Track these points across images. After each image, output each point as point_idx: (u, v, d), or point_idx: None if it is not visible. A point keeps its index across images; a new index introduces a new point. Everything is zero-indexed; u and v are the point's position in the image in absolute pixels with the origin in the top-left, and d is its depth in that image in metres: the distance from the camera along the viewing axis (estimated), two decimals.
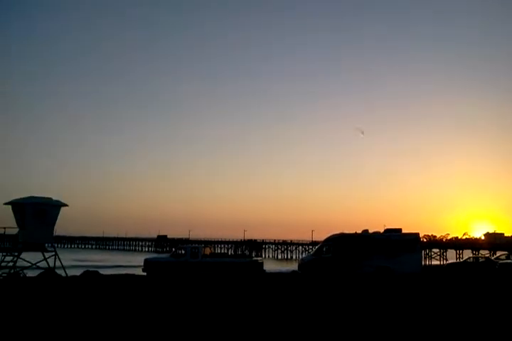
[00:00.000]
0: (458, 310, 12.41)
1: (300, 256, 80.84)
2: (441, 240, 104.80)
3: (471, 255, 61.25)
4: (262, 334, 8.99)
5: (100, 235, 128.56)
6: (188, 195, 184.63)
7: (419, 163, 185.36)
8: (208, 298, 14.85)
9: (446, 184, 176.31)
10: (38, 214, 24.32)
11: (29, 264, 24.93)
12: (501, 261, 32.88)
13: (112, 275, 26.44)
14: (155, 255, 62.07)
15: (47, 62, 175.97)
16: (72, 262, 41.35)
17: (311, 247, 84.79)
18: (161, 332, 9.07)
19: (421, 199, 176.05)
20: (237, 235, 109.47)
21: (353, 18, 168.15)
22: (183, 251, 26.09)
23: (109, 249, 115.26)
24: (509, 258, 34.54)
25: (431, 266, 55.88)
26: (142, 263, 26.57)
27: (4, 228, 25.42)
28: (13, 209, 24.72)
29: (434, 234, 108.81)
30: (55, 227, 25.96)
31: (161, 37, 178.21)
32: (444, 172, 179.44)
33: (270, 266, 36.86)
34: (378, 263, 24.71)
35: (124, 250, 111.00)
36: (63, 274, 24.48)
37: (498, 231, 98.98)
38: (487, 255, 57.96)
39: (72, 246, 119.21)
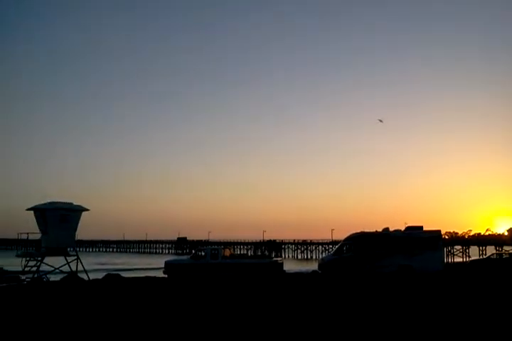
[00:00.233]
0: (483, 308, 12.19)
1: (320, 256, 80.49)
2: (463, 237, 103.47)
3: (494, 251, 60.18)
4: (283, 335, 8.95)
5: (121, 238, 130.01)
6: (207, 197, 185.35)
7: (440, 160, 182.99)
8: (228, 299, 14.86)
9: (469, 180, 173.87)
10: (59, 219, 24.71)
11: (52, 268, 25.32)
12: None
13: (133, 278, 26.65)
14: (175, 257, 62.47)
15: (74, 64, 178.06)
16: (94, 266, 41.87)
17: (331, 247, 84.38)
18: (183, 333, 9.09)
19: (442, 196, 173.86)
20: (257, 236, 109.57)
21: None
22: (203, 253, 26.17)
23: (129, 251, 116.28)
24: None
25: (453, 263, 55.12)
26: (163, 266, 26.77)
27: (27, 233, 25.89)
28: (35, 214, 25.15)
29: (456, 231, 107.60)
30: (77, 232, 26.34)
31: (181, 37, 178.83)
32: (466, 167, 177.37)
33: (290, 267, 36.82)
34: (400, 262, 24.45)
35: (144, 253, 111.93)
36: (85, 278, 24.77)
37: None
38: (511, 251, 56.95)
39: (94, 249, 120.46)
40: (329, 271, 25.23)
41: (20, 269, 23.62)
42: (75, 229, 25.95)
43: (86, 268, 26.11)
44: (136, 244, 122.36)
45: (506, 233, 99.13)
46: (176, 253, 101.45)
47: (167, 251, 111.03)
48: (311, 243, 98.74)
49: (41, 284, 21.50)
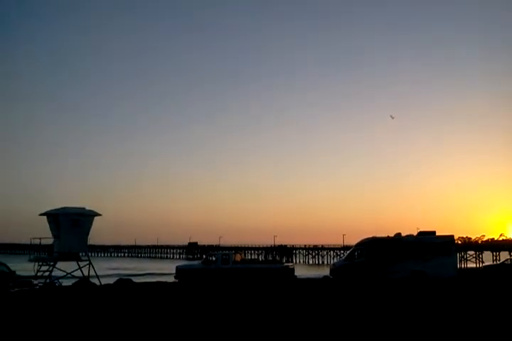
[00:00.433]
0: (497, 314, 12.02)
1: (331, 261, 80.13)
2: (476, 242, 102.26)
3: (508, 257, 59.46)
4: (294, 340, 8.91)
5: (132, 243, 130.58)
6: (217, 202, 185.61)
7: (452, 164, 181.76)
8: (239, 304, 14.82)
9: (482, 184, 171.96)
10: (72, 224, 24.87)
11: (64, 273, 25.46)
12: None
13: (144, 283, 26.71)
14: (186, 262, 62.62)
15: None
16: (105, 271, 42.01)
17: (342, 252, 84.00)
18: (194, 338, 9.08)
19: (455, 201, 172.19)
20: (268, 241, 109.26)
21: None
22: (214, 258, 26.19)
23: (141, 256, 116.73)
24: None
25: (467, 268, 54.50)
26: (174, 271, 26.82)
27: (40, 238, 26.10)
28: (48, 219, 25.36)
29: (469, 236, 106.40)
30: (89, 236, 26.49)
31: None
32: (479, 171, 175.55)
33: (301, 272, 36.62)
34: (413, 267, 24.24)
35: (155, 257, 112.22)
36: (97, 283, 24.87)
37: None
38: None
39: (106, 254, 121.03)
40: (341, 277, 25.08)
41: (32, 274, 23.77)
42: (87, 234, 26.09)
43: (98, 273, 26.21)
44: (147, 249, 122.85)
45: None
46: (187, 259, 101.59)
47: (178, 256, 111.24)
48: (323, 248, 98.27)
49: (53, 289, 21.61)
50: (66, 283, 24.86)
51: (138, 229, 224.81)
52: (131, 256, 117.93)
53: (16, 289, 18.88)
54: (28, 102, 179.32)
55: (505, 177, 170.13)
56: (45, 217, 25.47)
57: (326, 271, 31.40)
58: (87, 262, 25.69)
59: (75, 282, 24.44)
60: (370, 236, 26.64)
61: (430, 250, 24.64)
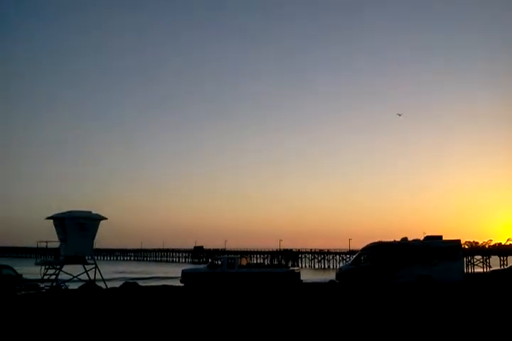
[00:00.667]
0: (505, 320, 11.93)
1: (337, 266, 79.89)
2: (483, 246, 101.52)
3: None
4: None
5: (138, 247, 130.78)
6: (223, 206, 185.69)
7: (458, 167, 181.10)
8: (245, 308, 14.80)
9: (489, 188, 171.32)
10: (78, 228, 24.98)
11: (71, 277, 25.55)
12: None
13: (150, 286, 26.73)
14: (192, 266, 62.61)
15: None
16: (111, 274, 42.06)
17: (348, 256, 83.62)
18: None
19: (462, 205, 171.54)
20: (273, 245, 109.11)
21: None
22: (219, 262, 26.18)
23: (147, 260, 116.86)
24: None
25: (474, 273, 54.13)
26: (179, 275, 26.83)
27: (46, 242, 26.26)
28: (54, 223, 25.48)
29: (476, 241, 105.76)
30: (95, 240, 26.58)
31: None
32: (486, 175, 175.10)
33: (307, 276, 36.54)
34: (419, 272, 24.12)
35: (161, 261, 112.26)
36: (103, 286, 24.92)
37: None
38: None
39: (112, 258, 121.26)
40: (347, 281, 25.00)
41: (39, 277, 23.86)
42: (94, 238, 26.19)
43: (104, 276, 26.28)
44: (153, 253, 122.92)
45: None
46: (193, 262, 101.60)
47: (184, 260, 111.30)
48: (328, 252, 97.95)
49: (60, 292, 21.69)
50: (72, 286, 24.93)
51: (144, 233, 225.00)
52: (137, 260, 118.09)
53: (22, 292, 18.93)
54: (28, 102, 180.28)
55: None
56: (51, 221, 25.58)
57: (331, 276, 31.30)
58: (93, 266, 25.77)
59: (81, 285, 24.51)
60: (376, 240, 26.58)
61: (437, 254, 24.52)
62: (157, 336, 9.91)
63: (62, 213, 25.38)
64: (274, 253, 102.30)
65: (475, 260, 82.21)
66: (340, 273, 26.40)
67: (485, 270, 68.33)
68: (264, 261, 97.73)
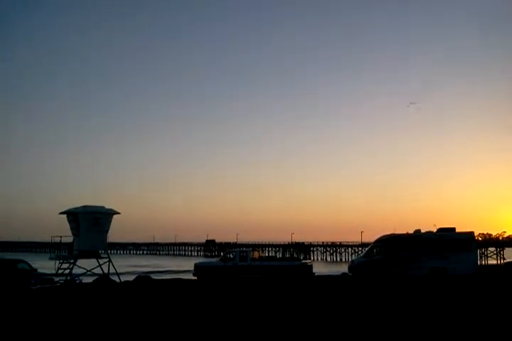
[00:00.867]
0: None
1: (350, 258, 79.78)
2: (497, 238, 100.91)
3: None
4: (312, 337, 8.88)
5: (151, 241, 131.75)
6: (235, 200, 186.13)
7: (472, 159, 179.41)
8: (257, 301, 14.84)
9: (502, 179, 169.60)
10: (91, 223, 25.16)
11: (84, 271, 25.80)
12: None
13: (163, 280, 26.92)
14: (204, 259, 62.92)
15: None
16: (125, 268, 42.36)
17: (360, 249, 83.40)
18: (211, 334, 9.12)
19: (475, 197, 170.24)
20: (285, 238, 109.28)
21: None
22: (232, 255, 26.26)
23: (159, 254, 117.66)
24: None
25: (487, 265, 53.76)
26: (192, 268, 26.98)
27: (60, 237, 26.50)
28: (68, 218, 25.69)
29: (489, 233, 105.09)
30: (108, 234, 26.79)
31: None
32: (499, 167, 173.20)
33: (319, 269, 36.48)
34: (432, 264, 24.00)
35: (173, 255, 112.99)
36: (117, 280, 25.14)
37: None
38: None
39: (125, 252, 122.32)
40: (359, 274, 24.96)
41: (53, 272, 24.11)
42: (107, 232, 26.38)
43: (117, 270, 26.49)
44: (165, 247, 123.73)
45: None
46: (205, 256, 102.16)
47: (196, 254, 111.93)
48: (341, 245, 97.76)
49: (74, 286, 21.93)
50: (86, 280, 25.18)
51: (156, 227, 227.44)
52: (150, 254, 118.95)
53: (37, 286, 19.17)
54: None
55: None
56: (65, 216, 25.81)
57: (344, 268, 31.26)
58: (107, 260, 25.98)
59: (95, 279, 24.76)
60: (389, 233, 26.47)
61: (450, 247, 24.37)
62: (171, 329, 9.97)
63: (75, 208, 25.58)
64: (285, 247, 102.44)
65: (488, 252, 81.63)
66: (352, 266, 26.36)
67: (499, 262, 67.79)
68: (276, 254, 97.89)
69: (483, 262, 69.50)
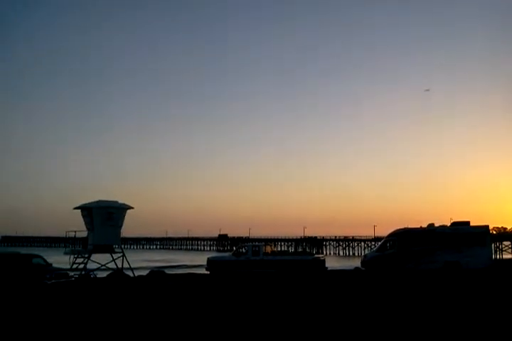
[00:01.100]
0: None
1: (362, 253, 79.51)
2: None
3: None
4: (326, 331, 8.86)
5: (164, 236, 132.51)
6: (247, 195, 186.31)
7: (485, 153, 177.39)
8: (270, 295, 14.85)
9: None
10: (105, 217, 25.35)
11: (99, 265, 26.03)
12: None
13: (176, 274, 27.08)
14: (217, 254, 63.17)
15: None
16: (138, 263, 42.68)
17: (373, 243, 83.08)
18: (224, 328, 9.14)
19: (490, 190, 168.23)
20: (297, 232, 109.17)
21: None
22: (244, 250, 26.31)
23: (172, 248, 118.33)
24: None
25: (502, 259, 53.25)
26: (205, 263, 27.09)
27: (75, 231, 26.75)
28: (82, 213, 25.91)
29: (504, 226, 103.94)
30: (122, 229, 26.97)
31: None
32: None
33: (332, 263, 36.45)
34: (446, 258, 23.82)
35: (186, 250, 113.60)
36: (131, 274, 25.33)
37: None
38: None
39: (138, 246, 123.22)
40: (372, 268, 24.86)
41: (68, 266, 24.36)
42: (121, 227, 26.57)
43: (131, 264, 26.68)
44: (178, 241, 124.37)
45: None
46: (217, 250, 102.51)
47: (208, 248, 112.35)
48: (353, 239, 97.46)
49: (88, 280, 22.14)
50: (101, 274, 25.40)
51: (169, 222, 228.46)
52: (163, 248, 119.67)
53: (52, 281, 19.38)
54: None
55: None
56: (79, 211, 26.03)
57: (357, 263, 31.18)
58: (121, 254, 26.19)
59: (109, 273, 24.96)
60: (402, 227, 26.31)
61: (464, 240, 24.15)
62: (184, 323, 10.02)
63: (89, 203, 25.78)
64: (298, 241, 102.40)
65: (503, 246, 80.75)
66: (365, 261, 26.25)
67: None
68: (288, 248, 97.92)
69: (498, 256, 68.83)
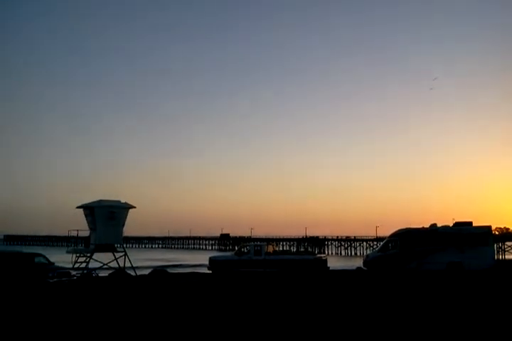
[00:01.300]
0: None
1: (364, 253, 79.40)
2: None
3: None
4: (328, 331, 8.85)
5: (166, 235, 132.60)
6: (249, 194, 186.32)
7: (488, 152, 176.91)
8: (272, 295, 14.85)
9: None
10: (107, 217, 25.35)
11: (101, 264, 26.05)
12: None
13: (178, 273, 27.11)
14: (219, 253, 63.19)
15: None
16: (141, 262, 42.70)
17: (375, 243, 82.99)
18: (226, 327, 9.14)
19: (492, 190, 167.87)
20: (299, 232, 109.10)
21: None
22: (246, 249, 26.32)
23: (174, 248, 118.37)
24: None
25: (505, 260, 53.14)
26: (207, 262, 27.11)
27: (77, 230, 26.76)
28: (84, 212, 25.93)
29: (507, 227, 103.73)
30: (124, 228, 26.99)
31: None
32: None
33: (334, 263, 36.44)
34: (449, 259, 23.78)
35: (188, 249, 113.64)
36: (133, 273, 25.37)
37: None
38: None
39: (140, 246, 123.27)
40: (374, 268, 24.84)
41: (70, 265, 24.39)
42: (123, 226, 26.58)
43: (133, 264, 26.70)
44: (180, 241, 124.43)
45: None
46: (219, 250, 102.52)
47: (210, 248, 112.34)
48: (355, 239, 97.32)
49: (91, 279, 22.16)
50: (103, 273, 25.44)
51: (171, 221, 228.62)
52: (165, 248, 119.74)
53: (55, 279, 19.41)
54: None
55: None
56: (81, 210, 26.06)
57: (358, 263, 31.15)
58: (123, 253, 26.21)
59: (111, 273, 25.00)
60: (404, 227, 26.26)
61: (467, 241, 24.10)
62: (186, 322, 10.02)
63: (92, 202, 25.79)
64: (300, 241, 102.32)
65: (506, 246, 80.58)
66: (367, 261, 26.23)
67: None
68: (290, 248, 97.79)
69: (501, 257, 68.67)
